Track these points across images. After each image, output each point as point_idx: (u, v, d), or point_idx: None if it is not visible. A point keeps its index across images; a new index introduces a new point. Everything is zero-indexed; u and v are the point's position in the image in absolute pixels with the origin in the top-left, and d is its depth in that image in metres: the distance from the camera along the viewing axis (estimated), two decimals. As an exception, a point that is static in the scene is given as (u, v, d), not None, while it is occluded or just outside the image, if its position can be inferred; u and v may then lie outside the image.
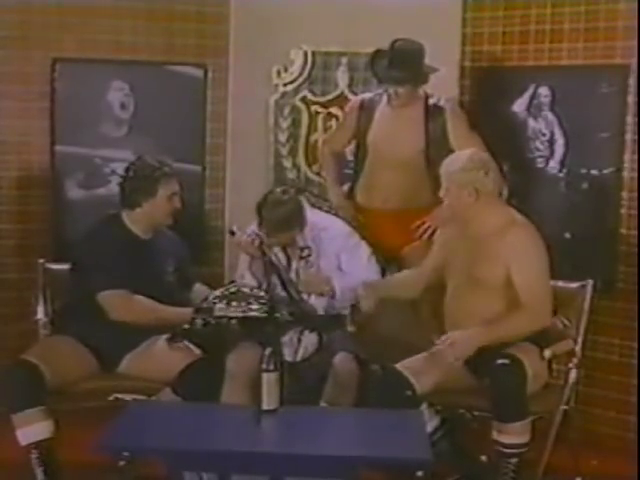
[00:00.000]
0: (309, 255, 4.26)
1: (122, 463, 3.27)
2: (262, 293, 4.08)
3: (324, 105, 5.00)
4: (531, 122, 4.73)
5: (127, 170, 4.20)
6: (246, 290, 4.08)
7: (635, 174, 4.44)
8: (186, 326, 4.03)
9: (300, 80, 4.97)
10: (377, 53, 4.46)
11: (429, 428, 3.80)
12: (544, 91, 4.68)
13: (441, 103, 4.53)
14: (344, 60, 4.93)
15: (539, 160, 4.70)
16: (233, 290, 4.07)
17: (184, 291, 4.27)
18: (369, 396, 3.93)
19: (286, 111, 5.01)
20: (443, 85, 4.59)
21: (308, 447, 3.31)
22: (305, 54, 4.95)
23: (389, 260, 4.53)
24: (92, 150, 4.92)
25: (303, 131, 5.03)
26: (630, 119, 4.44)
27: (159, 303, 4.06)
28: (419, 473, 3.19)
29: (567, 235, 4.62)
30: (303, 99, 5.00)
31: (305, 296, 4.26)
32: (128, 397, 3.95)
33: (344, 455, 3.27)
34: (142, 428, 3.46)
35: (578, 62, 4.58)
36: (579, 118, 4.58)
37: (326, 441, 3.37)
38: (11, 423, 3.84)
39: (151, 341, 4.10)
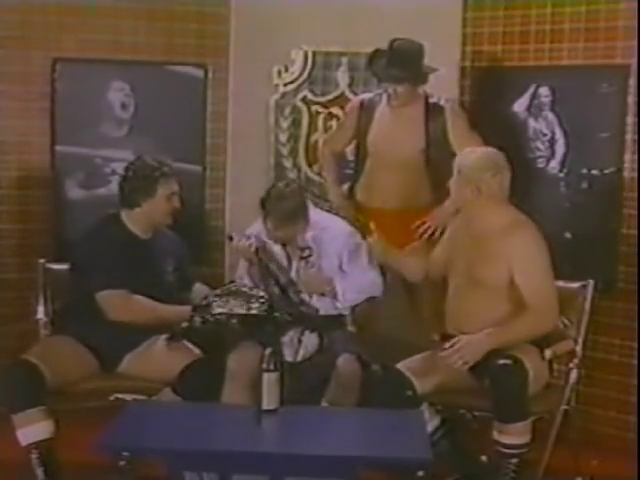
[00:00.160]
0: (309, 255, 4.26)
1: (122, 463, 3.26)
2: (262, 293, 4.08)
3: (324, 105, 5.00)
4: (531, 122, 4.73)
5: (126, 170, 4.20)
6: (245, 289, 4.07)
7: (635, 174, 4.44)
8: (185, 324, 4.03)
9: (300, 80, 4.97)
10: (376, 52, 4.47)
11: (429, 428, 3.80)
12: (544, 91, 4.68)
13: (441, 103, 4.53)
14: (344, 60, 4.93)
15: (539, 160, 4.70)
16: (233, 289, 4.07)
17: (184, 291, 4.27)
18: (370, 396, 3.93)
19: (286, 111, 5.00)
20: (443, 85, 4.59)
21: (308, 447, 3.31)
22: (305, 54, 4.95)
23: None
24: (92, 150, 4.92)
25: (303, 131, 5.03)
26: (630, 119, 4.44)
27: (159, 303, 4.06)
28: (419, 473, 3.19)
29: (567, 235, 4.62)
30: (303, 99, 5.00)
31: (307, 297, 4.26)
32: (128, 397, 3.95)
33: (344, 455, 3.27)
34: (142, 428, 3.46)
35: (578, 62, 4.58)
36: (579, 118, 4.58)
37: (326, 441, 3.37)
38: (11, 423, 3.83)
39: (151, 341, 4.10)
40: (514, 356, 3.71)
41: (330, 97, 4.99)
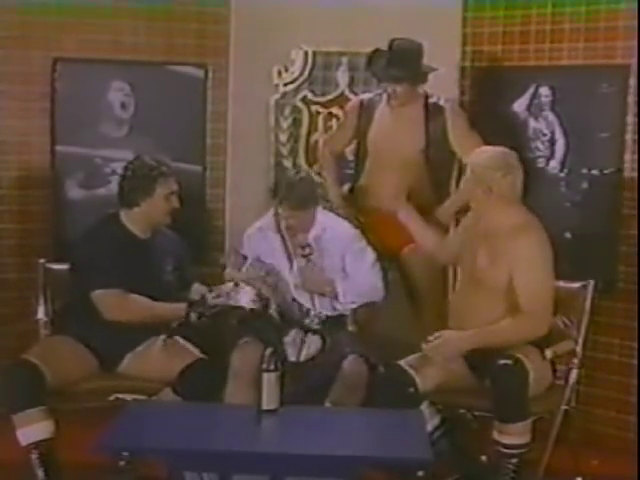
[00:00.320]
0: (310, 254, 4.26)
1: (122, 463, 3.26)
2: (256, 291, 4.09)
3: (324, 105, 5.00)
4: (532, 122, 4.73)
5: (125, 169, 4.20)
6: (242, 286, 4.08)
7: (635, 174, 4.44)
8: (182, 320, 4.03)
9: (300, 80, 4.97)
10: (376, 52, 4.47)
11: (430, 426, 3.80)
12: (544, 91, 4.68)
13: (441, 103, 4.53)
14: (344, 60, 4.93)
15: (540, 160, 4.69)
16: (228, 286, 4.08)
17: (183, 291, 4.25)
18: (371, 392, 3.93)
19: (286, 111, 5.00)
20: (443, 85, 4.59)
21: (308, 447, 3.31)
22: (305, 54, 4.94)
23: (389, 260, 4.53)
24: (92, 150, 4.92)
25: (303, 131, 5.02)
26: (630, 119, 4.44)
27: (154, 301, 4.06)
28: (419, 473, 3.19)
29: (567, 235, 4.61)
30: (303, 99, 5.00)
31: (308, 303, 4.26)
32: (128, 397, 3.95)
33: (344, 455, 3.27)
34: (142, 428, 3.46)
35: (578, 62, 4.58)
36: (579, 118, 4.58)
37: (326, 441, 3.37)
38: (11, 423, 3.83)
39: (151, 341, 4.10)
40: (515, 356, 3.71)
41: (330, 97, 4.98)
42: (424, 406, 3.81)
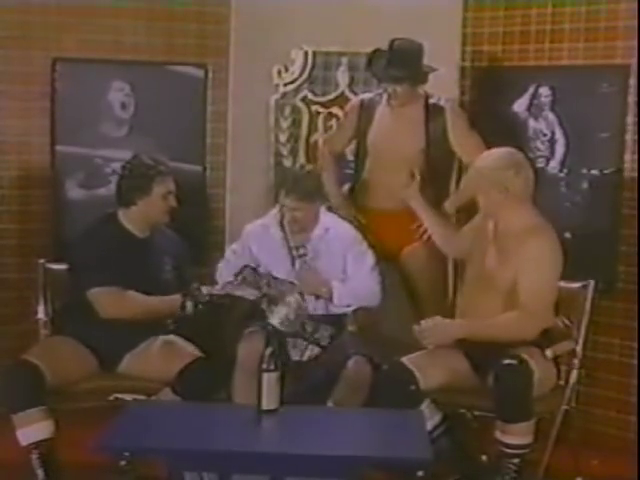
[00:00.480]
0: (305, 254, 4.27)
1: (122, 463, 3.26)
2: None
3: (324, 105, 5.00)
4: (531, 122, 4.73)
5: (122, 169, 4.21)
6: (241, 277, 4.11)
7: (635, 174, 4.44)
8: (178, 313, 4.03)
9: (300, 80, 4.97)
10: (375, 52, 4.46)
11: (431, 424, 3.79)
12: (545, 91, 4.68)
13: (441, 103, 4.53)
14: (344, 60, 4.93)
15: (540, 160, 4.69)
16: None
17: (182, 290, 4.26)
18: (373, 390, 3.93)
19: (286, 111, 5.00)
20: (443, 85, 4.59)
21: (308, 447, 3.31)
22: (305, 54, 4.94)
23: (389, 260, 4.53)
24: (92, 150, 4.92)
25: (303, 131, 5.02)
26: (630, 119, 4.44)
27: (149, 296, 4.06)
28: (419, 473, 3.19)
29: (567, 235, 4.60)
30: (303, 99, 5.00)
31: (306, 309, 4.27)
32: (128, 397, 3.95)
33: (344, 455, 3.26)
34: (142, 428, 3.45)
35: (579, 62, 4.58)
36: (579, 118, 4.58)
37: (326, 441, 3.37)
38: (11, 423, 3.83)
39: (150, 341, 4.10)
40: (520, 356, 3.70)
41: (330, 97, 4.98)
42: (425, 404, 3.81)
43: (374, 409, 3.83)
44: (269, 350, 3.53)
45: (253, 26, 4.89)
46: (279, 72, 4.97)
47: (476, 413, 3.91)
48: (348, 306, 4.29)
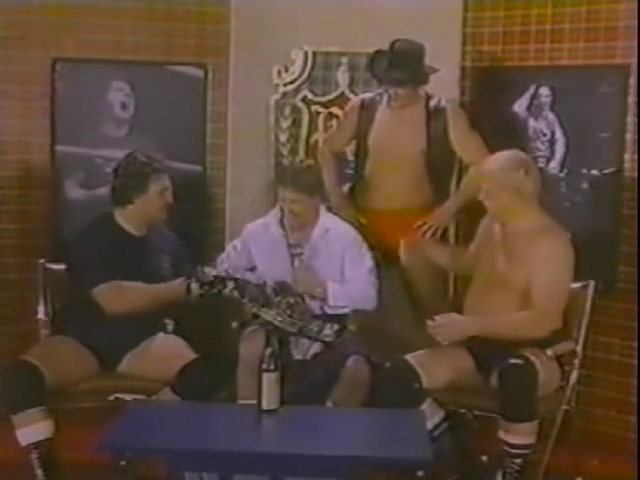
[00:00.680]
0: (301, 254, 4.28)
1: (122, 463, 3.26)
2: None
3: (325, 105, 5.00)
4: (532, 122, 4.73)
5: (117, 168, 4.20)
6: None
7: (635, 174, 4.44)
8: (184, 297, 4.03)
9: (300, 80, 4.97)
10: (376, 54, 4.46)
11: (431, 423, 3.79)
12: (545, 91, 4.68)
13: (442, 104, 4.53)
14: (344, 60, 4.93)
15: (540, 160, 4.68)
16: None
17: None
18: (376, 387, 3.93)
19: (287, 111, 5.00)
20: (444, 85, 4.59)
21: (308, 447, 3.31)
22: (305, 54, 4.94)
23: (389, 261, 4.53)
24: (92, 150, 4.92)
25: (304, 131, 5.02)
26: (630, 119, 4.44)
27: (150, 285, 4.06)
28: (419, 473, 3.19)
29: (567, 235, 4.61)
30: (304, 99, 5.00)
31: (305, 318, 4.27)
32: (128, 397, 3.95)
33: (344, 455, 3.26)
34: (142, 428, 3.45)
35: (579, 62, 4.58)
36: (580, 118, 4.58)
37: (326, 441, 3.37)
38: (11, 423, 3.83)
39: (150, 340, 4.10)
40: (525, 356, 3.71)
41: (330, 97, 4.98)
42: (426, 403, 3.81)
43: (374, 409, 3.83)
44: (269, 350, 3.53)
45: (253, 26, 4.89)
46: (279, 72, 4.97)
47: (476, 413, 3.90)
48: (342, 307, 4.28)
